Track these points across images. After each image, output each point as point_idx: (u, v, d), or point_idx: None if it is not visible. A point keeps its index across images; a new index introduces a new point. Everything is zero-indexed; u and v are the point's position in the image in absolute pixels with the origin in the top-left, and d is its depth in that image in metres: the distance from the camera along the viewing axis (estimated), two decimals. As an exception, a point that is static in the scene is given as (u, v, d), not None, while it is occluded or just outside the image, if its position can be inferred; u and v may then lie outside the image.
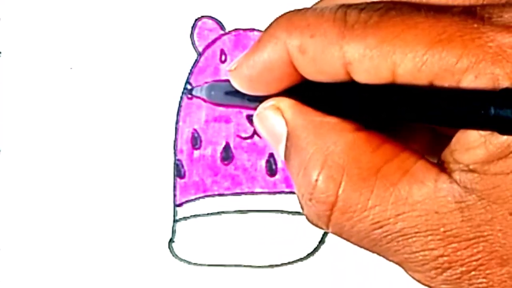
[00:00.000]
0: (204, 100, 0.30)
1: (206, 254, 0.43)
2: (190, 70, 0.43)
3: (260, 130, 0.28)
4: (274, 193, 0.43)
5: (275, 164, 0.43)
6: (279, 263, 0.43)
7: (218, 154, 0.43)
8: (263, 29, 0.43)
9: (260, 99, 0.28)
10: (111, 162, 0.43)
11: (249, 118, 0.43)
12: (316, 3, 0.29)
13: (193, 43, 0.44)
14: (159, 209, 0.43)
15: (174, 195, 0.43)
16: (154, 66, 0.43)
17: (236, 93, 0.28)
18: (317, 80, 0.25)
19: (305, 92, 0.26)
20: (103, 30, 0.44)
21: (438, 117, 0.23)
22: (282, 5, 0.44)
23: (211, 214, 0.43)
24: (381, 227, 0.24)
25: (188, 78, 0.44)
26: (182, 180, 0.43)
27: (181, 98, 0.43)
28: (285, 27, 0.26)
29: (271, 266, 0.43)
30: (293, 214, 0.43)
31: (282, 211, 0.43)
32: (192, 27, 0.44)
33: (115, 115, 0.43)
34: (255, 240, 0.43)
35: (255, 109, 0.28)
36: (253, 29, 0.44)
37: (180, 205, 0.43)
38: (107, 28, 0.44)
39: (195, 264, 0.43)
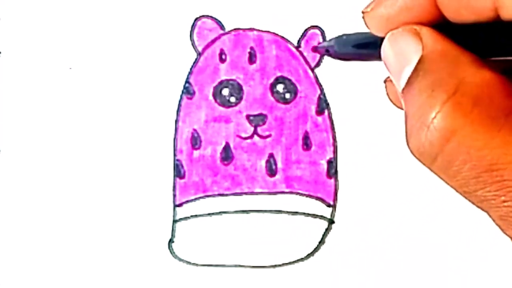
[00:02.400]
0: (331, 55, 0.29)
1: (205, 254, 0.43)
2: (190, 70, 0.43)
3: (387, 51, 0.26)
4: (274, 193, 0.43)
5: (275, 164, 0.43)
6: (279, 263, 0.43)
7: (218, 154, 0.43)
8: (262, 28, 0.44)
9: None
10: (111, 162, 0.43)
11: (249, 118, 0.43)
12: None
13: (192, 43, 0.44)
14: (159, 209, 0.43)
15: (174, 195, 0.43)
16: (154, 66, 0.43)
17: (365, 44, 0.27)
18: (459, 20, 0.25)
19: (444, 30, 0.25)
20: (102, 30, 0.44)
21: None
22: (282, 5, 0.44)
23: (211, 214, 0.43)
24: (497, 169, 0.23)
25: (187, 78, 0.43)
26: (182, 180, 0.43)
27: (181, 98, 0.43)
28: None
29: (271, 266, 0.43)
30: (293, 214, 0.43)
31: (282, 211, 0.43)
32: (192, 27, 0.44)
33: (114, 115, 0.43)
34: (255, 240, 0.43)
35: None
36: (252, 29, 0.44)
37: (179, 205, 0.43)
38: (107, 28, 0.44)
39: (194, 264, 0.43)
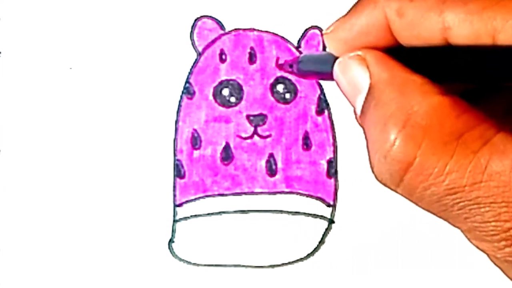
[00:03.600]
0: (294, 72, 0.30)
1: (205, 254, 0.43)
2: (190, 70, 0.43)
3: (339, 79, 0.27)
4: (274, 193, 0.43)
5: (275, 164, 0.43)
6: (279, 263, 0.43)
7: (218, 154, 0.43)
8: (262, 29, 0.44)
9: None
10: (111, 162, 0.43)
11: (249, 118, 0.43)
12: None
13: (193, 43, 0.44)
14: (159, 209, 0.43)
15: (174, 195, 0.43)
16: (154, 66, 0.43)
17: (325, 63, 0.28)
18: (411, 45, 0.26)
19: (395, 53, 0.26)
20: (102, 30, 0.44)
21: None
22: (282, 5, 0.44)
23: (211, 214, 0.43)
24: (455, 193, 0.24)
25: (188, 78, 0.43)
26: (182, 180, 0.43)
27: (181, 98, 0.43)
28: None
29: (271, 266, 0.43)
30: (293, 214, 0.43)
31: (282, 211, 0.43)
32: (192, 27, 0.44)
33: (115, 115, 0.43)
34: (255, 240, 0.43)
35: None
36: (253, 29, 0.44)
37: (180, 205, 0.43)
38: (107, 28, 0.44)
39: (194, 264, 0.43)
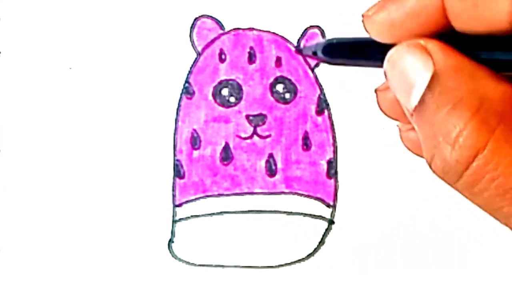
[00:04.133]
0: (316, 59, 0.27)
1: (205, 255, 0.43)
2: (190, 70, 0.43)
3: (392, 70, 0.25)
4: (274, 193, 0.43)
5: (275, 164, 0.43)
6: (279, 264, 0.43)
7: (218, 154, 0.43)
8: (262, 28, 0.44)
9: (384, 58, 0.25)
10: (110, 162, 0.43)
11: (249, 118, 0.43)
12: None
13: (192, 43, 0.44)
14: (159, 209, 0.43)
15: (174, 196, 0.43)
16: (154, 66, 0.43)
17: (358, 48, 0.26)
18: (469, 30, 0.23)
19: (452, 41, 0.24)
20: (102, 30, 0.44)
21: None
22: (282, 5, 0.44)
23: (211, 214, 0.43)
24: None
25: (187, 78, 0.43)
26: (182, 181, 0.43)
27: (181, 98, 0.43)
28: None
29: (271, 266, 0.43)
30: (293, 215, 0.43)
31: (281, 212, 0.43)
32: (191, 27, 0.44)
33: (114, 115, 0.43)
34: (255, 240, 0.43)
35: (380, 66, 0.25)
36: (252, 29, 0.44)
37: (179, 205, 0.43)
38: (107, 28, 0.44)
39: (194, 264, 0.43)
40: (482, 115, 0.22)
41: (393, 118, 0.26)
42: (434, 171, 0.24)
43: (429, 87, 0.23)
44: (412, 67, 0.24)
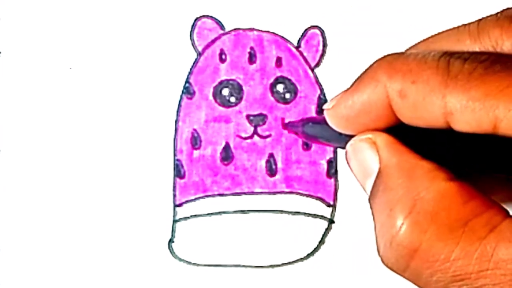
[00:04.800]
0: (298, 136, 0.32)
1: (205, 254, 0.43)
2: (190, 70, 0.43)
3: (350, 161, 0.28)
4: (274, 193, 0.43)
5: (275, 164, 0.43)
6: (279, 263, 0.43)
7: (218, 154, 0.43)
8: (262, 28, 0.44)
9: (351, 138, 0.28)
10: (110, 162, 0.43)
11: (249, 118, 0.43)
12: (413, 46, 0.30)
13: (192, 43, 0.44)
14: (159, 209, 0.43)
15: (174, 195, 0.43)
16: (154, 66, 0.43)
17: (329, 130, 0.29)
18: (414, 125, 0.26)
19: (401, 132, 0.26)
20: (102, 30, 0.44)
21: None
22: (282, 5, 0.44)
23: (211, 214, 0.43)
24: (461, 280, 0.24)
25: (187, 78, 0.43)
26: (182, 180, 0.43)
27: (181, 98, 0.43)
28: (386, 70, 0.26)
29: (271, 266, 0.43)
30: (293, 214, 0.43)
31: (282, 211, 0.43)
32: (192, 27, 0.44)
33: (114, 115, 0.43)
34: (255, 240, 0.43)
35: (343, 147, 0.29)
36: (252, 29, 0.44)
37: (180, 205, 0.43)
38: (107, 28, 0.44)
39: (194, 264, 0.43)
40: (414, 217, 0.24)
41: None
42: (383, 263, 0.26)
43: (375, 184, 0.26)
44: (364, 161, 0.27)
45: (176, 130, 0.43)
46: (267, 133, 0.43)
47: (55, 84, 0.43)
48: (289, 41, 0.44)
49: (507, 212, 0.24)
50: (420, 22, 0.44)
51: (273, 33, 0.44)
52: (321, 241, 0.43)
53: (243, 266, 0.43)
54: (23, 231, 0.43)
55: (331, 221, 0.43)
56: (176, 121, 0.43)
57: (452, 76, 0.24)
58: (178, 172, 0.43)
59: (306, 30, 0.44)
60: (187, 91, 0.43)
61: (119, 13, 0.44)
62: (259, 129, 0.43)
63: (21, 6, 0.44)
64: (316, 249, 0.43)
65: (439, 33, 0.29)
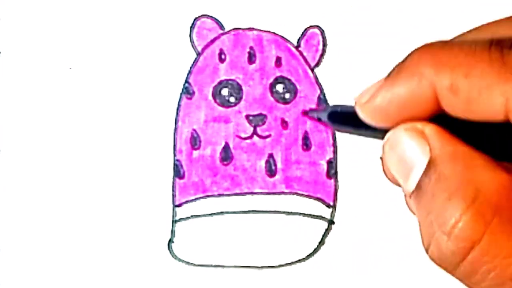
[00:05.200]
0: (323, 123, 0.28)
1: (205, 255, 0.43)
2: (189, 70, 0.43)
3: (389, 153, 0.25)
4: (274, 193, 0.43)
5: (275, 164, 0.43)
6: (279, 264, 0.43)
7: (218, 155, 0.43)
8: (262, 28, 0.44)
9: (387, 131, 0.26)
10: (110, 162, 0.43)
11: (249, 118, 0.43)
12: (457, 37, 0.27)
13: (192, 43, 0.44)
14: (158, 209, 0.43)
15: (173, 196, 0.43)
16: (153, 66, 0.43)
17: (361, 121, 0.26)
18: (465, 118, 0.24)
19: (448, 125, 0.24)
20: (102, 30, 0.44)
21: None
22: (281, 5, 0.44)
23: (211, 214, 0.43)
24: None
25: (187, 78, 0.43)
26: (182, 181, 0.43)
27: (180, 98, 0.43)
28: (432, 63, 0.24)
29: (271, 266, 0.43)
30: (293, 215, 0.43)
31: (281, 212, 0.43)
32: (191, 27, 0.44)
33: (114, 115, 0.43)
34: (255, 240, 0.43)
35: (382, 138, 0.26)
36: (252, 29, 0.44)
37: (179, 205, 0.43)
38: (107, 28, 0.44)
39: (194, 264, 0.43)
40: (477, 207, 0.22)
41: (398, 185, 0.26)
42: (431, 259, 0.24)
43: (426, 173, 0.24)
44: (409, 152, 0.24)
45: (175, 130, 0.43)
46: (266, 133, 0.43)
47: (55, 84, 0.43)
48: (288, 40, 0.44)
49: None
50: (420, 22, 0.44)
51: (272, 33, 0.43)
52: (321, 242, 0.43)
53: (243, 266, 0.43)
54: (23, 231, 0.43)
55: (331, 222, 0.43)
56: (176, 121, 0.43)
57: (510, 68, 0.22)
58: (178, 172, 0.43)
59: (306, 30, 0.44)
60: (187, 91, 0.43)
61: (119, 13, 0.44)
62: (258, 129, 0.43)
63: (21, 6, 0.44)
64: (316, 250, 0.43)
65: (484, 24, 0.26)
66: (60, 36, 0.44)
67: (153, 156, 0.43)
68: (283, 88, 0.43)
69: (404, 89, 0.24)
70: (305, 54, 0.43)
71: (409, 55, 0.24)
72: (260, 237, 0.43)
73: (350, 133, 0.27)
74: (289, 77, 0.43)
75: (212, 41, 0.44)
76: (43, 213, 0.43)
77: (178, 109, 0.43)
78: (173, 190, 0.43)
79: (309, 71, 0.43)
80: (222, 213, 0.43)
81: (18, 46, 0.44)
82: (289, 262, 0.43)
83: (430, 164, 0.24)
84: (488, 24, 0.26)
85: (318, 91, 0.43)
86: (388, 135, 0.25)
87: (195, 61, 0.43)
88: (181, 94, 0.43)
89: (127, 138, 0.43)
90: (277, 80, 0.43)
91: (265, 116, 0.43)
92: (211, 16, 0.44)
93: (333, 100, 0.43)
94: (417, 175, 0.24)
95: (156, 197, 0.43)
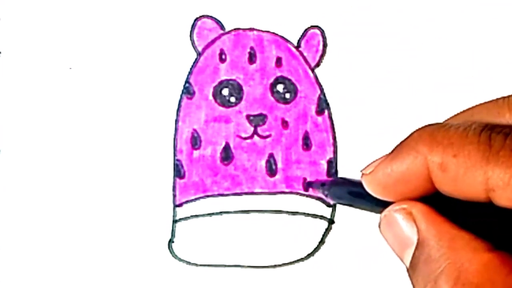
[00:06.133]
0: (326, 197, 0.31)
1: (205, 255, 0.43)
2: (190, 70, 0.43)
3: (385, 232, 0.28)
4: (274, 193, 0.43)
5: (275, 164, 0.43)
6: (279, 263, 0.43)
7: (218, 154, 0.43)
8: (262, 28, 0.44)
9: (386, 204, 0.28)
10: (110, 162, 0.43)
11: (249, 118, 0.43)
12: (453, 117, 0.30)
13: (192, 43, 0.44)
14: (159, 209, 0.43)
15: (174, 196, 0.43)
16: (154, 66, 0.43)
17: (360, 194, 0.29)
18: (453, 197, 0.25)
19: (438, 202, 0.26)
20: (102, 30, 0.44)
21: None
22: (282, 5, 0.44)
23: (211, 214, 0.43)
24: None
25: (187, 78, 0.43)
26: (182, 180, 0.43)
27: (181, 98, 0.43)
28: (428, 142, 0.26)
29: (271, 266, 0.43)
30: (293, 214, 0.43)
31: (282, 211, 0.43)
32: (192, 27, 0.44)
33: (114, 115, 0.43)
34: (255, 240, 0.43)
35: (379, 212, 0.28)
36: (252, 29, 0.44)
37: (179, 205, 0.43)
38: (107, 28, 0.44)
39: (194, 264, 0.43)
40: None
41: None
42: None
43: (415, 255, 0.26)
44: (401, 232, 0.27)
45: (176, 130, 0.43)
46: (267, 133, 0.43)
47: (55, 84, 0.43)
48: (289, 41, 0.44)
49: None
50: (420, 22, 0.44)
51: (273, 33, 0.44)
52: (321, 241, 0.43)
53: (243, 266, 0.43)
54: (23, 231, 0.43)
55: (331, 221, 0.43)
56: (176, 121, 0.43)
57: (494, 152, 0.24)
58: (178, 172, 0.43)
59: (306, 30, 0.44)
60: (187, 91, 0.43)
61: (119, 13, 0.44)
62: (259, 129, 0.43)
63: (21, 6, 0.44)
64: (316, 249, 0.43)
65: (478, 105, 0.29)
66: (60, 36, 0.44)
67: (154, 156, 0.43)
68: (284, 88, 0.43)
69: (402, 165, 0.26)
70: (305, 54, 0.44)
71: (411, 133, 0.27)
72: (260, 237, 0.43)
73: (351, 206, 0.30)
74: (289, 77, 0.43)
75: (213, 41, 0.44)
76: (43, 213, 0.43)
77: (178, 109, 0.43)
78: (173, 190, 0.43)
79: (309, 71, 0.44)
80: (222, 213, 0.43)
81: (18, 46, 0.43)
82: (289, 261, 0.43)
83: (418, 245, 0.26)
84: (480, 105, 0.28)
85: (318, 91, 0.44)
86: (382, 215, 0.28)
87: (196, 61, 0.43)
88: (181, 94, 0.43)
89: (128, 138, 0.43)
90: (277, 80, 0.43)
91: (265, 116, 0.43)
92: (211, 17, 0.44)
93: (333, 100, 0.44)
94: (409, 255, 0.26)
95: (156, 197, 0.43)
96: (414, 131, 0.27)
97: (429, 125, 0.26)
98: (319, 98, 0.43)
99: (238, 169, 0.43)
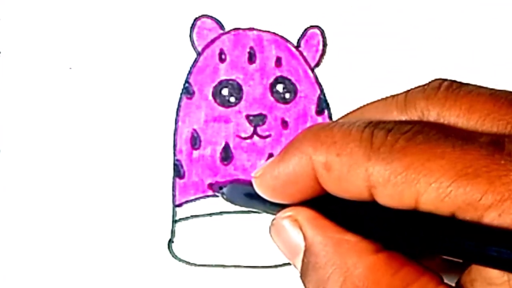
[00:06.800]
0: (224, 199, 0.31)
1: (205, 255, 0.43)
2: (189, 70, 0.43)
3: (275, 240, 0.28)
4: (274, 193, 0.43)
5: (275, 164, 0.43)
6: (279, 263, 0.43)
7: (218, 154, 0.43)
8: (262, 28, 0.44)
9: (282, 206, 0.28)
10: (110, 162, 0.43)
11: (249, 118, 0.43)
12: (343, 117, 0.30)
13: (192, 43, 0.44)
14: (159, 209, 0.43)
15: (174, 196, 0.43)
16: (153, 66, 0.43)
17: (256, 196, 0.28)
18: (340, 196, 0.25)
19: (327, 204, 0.26)
20: (102, 30, 0.44)
21: (457, 250, 0.23)
22: (282, 5, 0.44)
23: (211, 214, 0.43)
24: None
25: (187, 78, 0.43)
26: (182, 181, 0.43)
27: (180, 98, 0.43)
28: (311, 142, 0.26)
29: (271, 266, 0.43)
30: (293, 215, 0.43)
31: (281, 212, 0.43)
32: (191, 27, 0.44)
33: (114, 115, 0.43)
34: (255, 240, 0.43)
35: (275, 214, 0.28)
36: (252, 29, 0.44)
37: (179, 205, 0.43)
38: (107, 28, 0.44)
39: (194, 264, 0.43)
40: None
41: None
42: None
43: (303, 262, 0.26)
44: (289, 239, 0.27)
45: (175, 130, 0.43)
46: (267, 133, 0.43)
47: (55, 84, 0.43)
48: (289, 41, 0.44)
49: (441, 278, 0.24)
50: (420, 22, 0.44)
51: (272, 33, 0.44)
52: (321, 242, 0.43)
53: (243, 266, 0.43)
54: (23, 231, 0.43)
55: (331, 222, 0.43)
56: (176, 121, 0.43)
57: (375, 149, 0.24)
58: (178, 172, 0.43)
59: (306, 30, 0.44)
60: (187, 91, 0.43)
61: (119, 13, 0.44)
62: (258, 129, 0.43)
63: (21, 6, 0.44)
64: (316, 250, 0.43)
65: (367, 104, 0.29)
66: (60, 36, 0.44)
67: (153, 156, 0.43)
68: (283, 88, 0.43)
69: (288, 166, 0.26)
70: (305, 54, 0.44)
71: (297, 135, 0.27)
72: (260, 237, 0.43)
73: (249, 208, 0.30)
74: (289, 77, 0.43)
75: (212, 41, 0.44)
76: (43, 213, 0.43)
77: (178, 109, 0.43)
78: (173, 190, 0.43)
79: (309, 71, 0.44)
80: (222, 213, 0.43)
81: (18, 46, 0.44)
82: (289, 262, 0.43)
83: (306, 252, 0.26)
84: (369, 104, 0.29)
85: (318, 91, 0.43)
86: (271, 223, 0.28)
87: (195, 61, 0.43)
88: (181, 94, 0.43)
89: (127, 138, 0.43)
90: (277, 80, 0.43)
91: (265, 116, 0.43)
92: (211, 16, 0.44)
93: (333, 100, 0.44)
94: (299, 263, 0.27)
95: (156, 197, 0.43)
96: (301, 132, 0.27)
97: (316, 125, 0.26)
98: (319, 98, 0.43)
99: (238, 169, 0.43)
